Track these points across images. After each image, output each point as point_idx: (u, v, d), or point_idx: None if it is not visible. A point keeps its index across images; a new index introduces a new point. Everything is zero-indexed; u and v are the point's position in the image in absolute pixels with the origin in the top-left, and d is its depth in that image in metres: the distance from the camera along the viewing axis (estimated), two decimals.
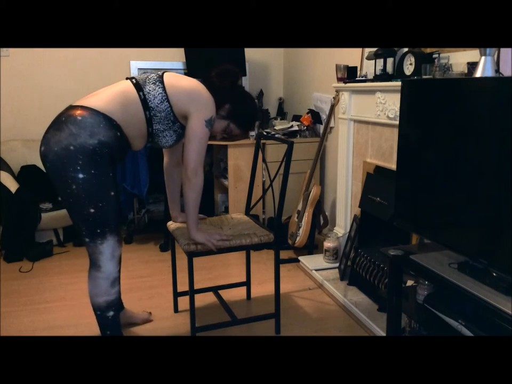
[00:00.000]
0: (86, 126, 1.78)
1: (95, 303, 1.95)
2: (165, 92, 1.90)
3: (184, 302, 2.54)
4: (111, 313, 1.96)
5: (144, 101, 1.89)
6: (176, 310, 2.53)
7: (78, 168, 1.77)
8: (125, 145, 1.94)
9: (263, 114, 3.91)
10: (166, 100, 1.90)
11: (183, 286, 2.56)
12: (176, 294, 2.52)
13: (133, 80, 1.94)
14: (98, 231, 1.86)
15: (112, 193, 1.86)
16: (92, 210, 1.83)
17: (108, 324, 1.98)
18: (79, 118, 1.79)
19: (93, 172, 1.79)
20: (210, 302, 2.61)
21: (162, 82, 1.91)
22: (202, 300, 2.62)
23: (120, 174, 3.35)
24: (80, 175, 1.78)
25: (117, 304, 2.00)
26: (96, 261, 1.90)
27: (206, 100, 1.92)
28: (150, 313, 2.43)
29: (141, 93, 1.89)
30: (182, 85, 1.93)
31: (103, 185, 1.83)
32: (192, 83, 1.96)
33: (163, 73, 1.97)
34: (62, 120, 1.80)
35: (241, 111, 2.06)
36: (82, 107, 1.82)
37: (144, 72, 4.01)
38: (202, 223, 2.32)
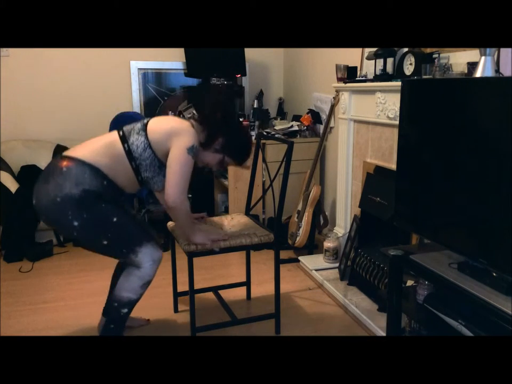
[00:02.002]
0: (71, 176, 1.85)
1: (117, 295, 2.00)
2: (147, 140, 1.93)
3: (184, 302, 2.54)
4: (125, 310, 2.01)
5: (129, 152, 1.93)
6: (176, 310, 2.53)
7: (70, 217, 1.84)
8: (114, 192, 1.96)
9: (263, 114, 3.91)
10: (148, 147, 1.93)
11: (183, 286, 2.56)
12: (176, 294, 2.52)
13: (120, 132, 1.98)
14: (125, 250, 1.94)
15: (115, 219, 1.90)
16: (105, 242, 1.91)
17: (116, 319, 2.03)
18: (64, 169, 1.86)
19: (85, 216, 1.86)
20: (210, 302, 2.61)
21: (145, 130, 1.95)
22: (202, 300, 2.62)
23: None
24: (75, 223, 1.85)
25: (134, 305, 2.05)
26: (137, 263, 1.96)
27: (185, 130, 1.93)
28: (149, 320, 2.42)
29: (125, 145, 1.93)
30: (161, 127, 1.95)
31: (100, 220, 1.89)
32: (171, 123, 1.98)
33: (148, 121, 1.99)
34: (49, 172, 1.89)
35: (234, 144, 2.05)
36: (68, 158, 1.89)
37: (145, 73, 4.01)
38: (204, 222, 2.32)
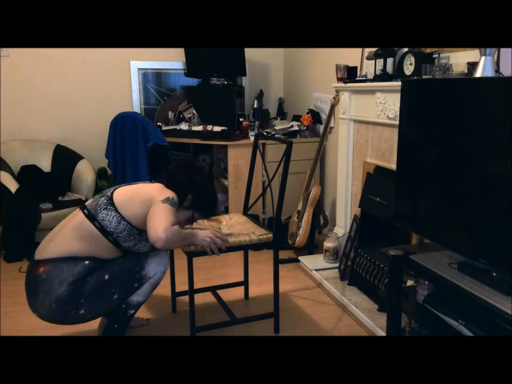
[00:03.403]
0: (52, 279, 1.87)
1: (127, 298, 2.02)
2: (119, 213, 1.91)
3: (182, 302, 2.54)
4: (132, 311, 2.04)
5: (102, 229, 1.91)
6: (174, 310, 2.53)
7: (73, 312, 1.89)
8: (101, 262, 1.96)
9: (263, 114, 3.91)
10: (122, 220, 1.92)
11: (181, 286, 2.56)
12: (175, 294, 2.52)
13: (85, 211, 1.95)
14: (136, 285, 1.98)
15: (106, 276, 1.92)
16: (116, 296, 1.95)
17: (122, 319, 2.05)
18: (44, 276, 1.88)
19: (83, 301, 1.89)
20: (208, 302, 2.61)
21: (112, 204, 1.93)
22: (200, 299, 2.62)
23: (120, 174, 3.35)
24: (81, 312, 1.90)
25: (140, 306, 2.07)
26: (150, 274, 2.00)
27: (159, 190, 1.95)
28: (148, 319, 2.42)
29: (96, 223, 1.91)
30: (134, 199, 1.94)
31: (98, 290, 1.91)
32: (144, 190, 1.97)
33: (112, 193, 1.97)
34: (33, 285, 1.90)
35: (202, 199, 2.08)
36: (43, 262, 1.90)
37: (145, 73, 4.01)
38: (201, 222, 2.32)
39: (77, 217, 1.96)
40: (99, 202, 1.95)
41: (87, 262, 1.91)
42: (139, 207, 1.92)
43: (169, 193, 1.94)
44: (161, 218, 1.83)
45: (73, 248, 1.90)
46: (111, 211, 1.91)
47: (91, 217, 1.92)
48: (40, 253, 1.95)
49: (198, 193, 2.06)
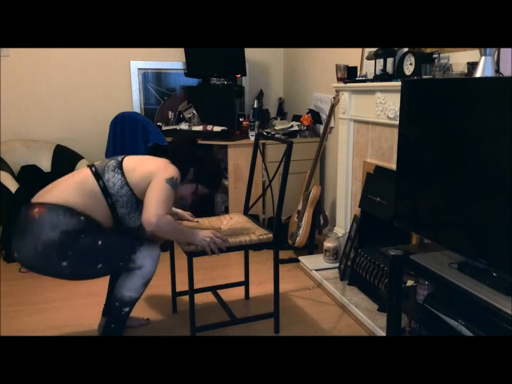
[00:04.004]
0: (45, 222, 1.83)
1: (119, 294, 2.00)
2: (124, 177, 1.94)
3: (182, 302, 2.54)
4: (127, 309, 2.03)
5: (105, 189, 1.93)
6: (174, 310, 2.53)
7: (56, 260, 1.84)
8: (93, 226, 1.94)
9: (263, 114, 3.91)
10: (125, 185, 1.94)
11: (182, 286, 2.56)
12: (175, 294, 2.52)
13: (93, 168, 1.97)
14: (121, 263, 1.95)
15: (100, 242, 1.90)
16: (100, 266, 1.92)
17: (118, 318, 2.04)
18: (37, 216, 1.84)
19: (70, 253, 1.85)
20: (209, 302, 2.61)
21: (121, 168, 1.96)
22: (201, 299, 2.62)
23: None
24: (63, 263, 1.85)
25: (135, 304, 2.06)
26: (138, 266, 1.97)
27: (164, 166, 1.96)
28: (148, 319, 2.42)
29: (100, 182, 1.93)
30: (140, 167, 1.97)
31: (87, 252, 1.89)
32: (150, 162, 2.00)
33: (123, 159, 2.01)
34: (23, 223, 1.87)
35: (204, 172, 2.11)
36: (39, 205, 1.87)
37: (145, 73, 4.01)
38: (201, 222, 2.32)
39: (83, 173, 1.97)
40: (108, 164, 1.99)
41: (82, 218, 1.88)
42: (142, 177, 1.94)
43: (173, 171, 1.95)
44: (159, 202, 1.85)
45: (72, 200, 1.88)
46: (118, 174, 1.94)
47: (97, 175, 1.94)
48: (37, 198, 1.92)
49: (200, 166, 2.09)
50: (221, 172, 2.25)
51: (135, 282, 1.99)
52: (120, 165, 1.97)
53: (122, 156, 2.04)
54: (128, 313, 2.05)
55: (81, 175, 1.96)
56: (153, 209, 1.84)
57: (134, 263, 1.95)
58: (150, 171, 1.95)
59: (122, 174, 1.95)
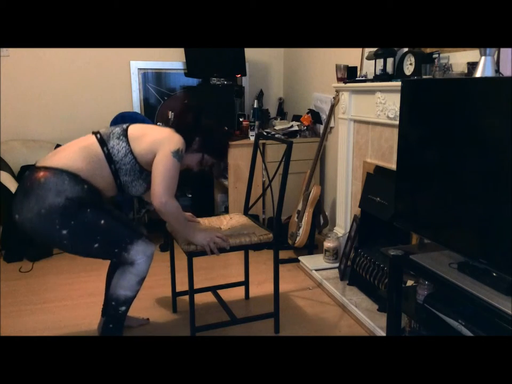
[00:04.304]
0: (51, 186, 1.83)
1: (114, 294, 2.00)
2: (129, 145, 1.94)
3: (182, 302, 2.54)
4: (123, 308, 2.02)
5: (109, 156, 1.93)
6: (175, 310, 2.53)
7: (58, 227, 1.83)
8: (95, 196, 1.95)
9: (263, 114, 3.91)
10: (130, 153, 1.94)
11: (182, 286, 2.56)
12: (175, 294, 2.52)
13: (98, 135, 1.98)
14: (116, 250, 1.94)
15: (102, 221, 1.90)
16: (97, 245, 1.91)
17: (115, 318, 2.03)
18: (43, 180, 1.84)
19: (73, 223, 1.85)
20: (209, 302, 2.61)
21: (126, 136, 1.96)
22: (201, 299, 2.62)
23: None
24: (64, 231, 1.84)
25: (131, 302, 2.05)
26: (130, 260, 1.96)
27: (169, 136, 1.96)
28: (148, 319, 2.42)
29: (105, 148, 1.94)
30: (145, 136, 1.97)
31: (88, 225, 1.88)
32: (155, 132, 2.00)
33: (128, 127, 2.01)
34: (28, 186, 1.86)
35: (210, 141, 2.09)
36: (45, 168, 1.87)
37: (145, 73, 4.02)
38: (201, 222, 2.32)
39: (88, 139, 1.97)
40: (113, 131, 1.99)
41: (86, 186, 1.88)
42: (147, 146, 1.94)
43: (178, 142, 1.95)
44: (167, 179, 1.88)
45: (77, 166, 1.88)
46: (122, 142, 1.94)
47: (102, 142, 1.94)
48: (43, 162, 1.92)
49: (205, 135, 2.07)
50: (227, 141, 2.20)
51: (129, 281, 1.98)
52: (125, 133, 1.97)
53: (127, 124, 2.04)
54: (125, 312, 2.04)
55: (87, 142, 1.96)
56: (162, 187, 1.87)
57: (127, 254, 1.94)
58: (155, 141, 1.94)
59: (127, 142, 1.95)
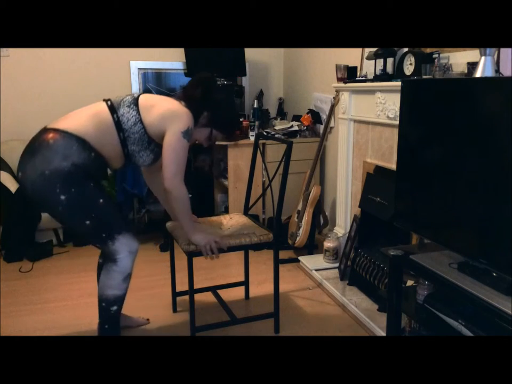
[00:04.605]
0: (59, 149, 1.82)
1: (103, 295, 1.99)
2: (139, 114, 1.93)
3: (182, 302, 2.54)
4: (114, 307, 2.00)
5: (118, 123, 1.92)
6: (175, 310, 2.53)
7: (58, 191, 1.81)
8: (101, 165, 1.95)
9: (263, 114, 3.91)
10: (139, 122, 1.93)
11: (182, 286, 2.56)
12: (175, 294, 2.52)
13: (108, 102, 1.97)
14: (104, 235, 1.92)
15: (101, 200, 1.90)
16: (88, 222, 1.88)
17: (108, 318, 2.02)
18: (51, 141, 1.83)
19: (73, 190, 1.83)
20: (209, 302, 2.61)
21: (136, 104, 1.95)
22: (201, 299, 2.62)
23: (120, 174, 3.35)
24: (62, 197, 1.82)
25: (122, 301, 2.03)
26: (113, 256, 1.94)
27: (180, 113, 1.93)
28: (148, 319, 2.42)
29: (115, 115, 1.93)
30: (155, 107, 1.95)
31: (87, 198, 1.87)
32: (166, 103, 1.98)
33: (139, 96, 2.00)
34: (36, 146, 1.85)
35: (219, 116, 2.07)
36: (54, 130, 1.87)
37: (145, 73, 4.02)
38: (201, 222, 2.32)
39: (98, 106, 1.97)
40: (124, 99, 1.98)
41: (93, 154, 1.88)
42: (156, 117, 1.92)
43: (187, 120, 1.92)
44: (178, 160, 1.89)
45: (86, 131, 1.87)
46: (133, 110, 1.93)
47: (112, 109, 1.94)
48: (54, 124, 1.92)
49: (214, 110, 2.04)
50: (237, 117, 2.19)
51: (114, 279, 1.96)
52: (136, 102, 1.95)
53: (139, 93, 2.03)
54: (117, 312, 2.02)
55: (97, 108, 1.96)
56: (174, 169, 1.88)
57: (112, 244, 1.91)
58: (164, 114, 1.92)
59: (137, 111, 1.93)
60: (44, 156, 1.81)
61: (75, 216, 1.88)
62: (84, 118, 1.91)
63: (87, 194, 1.87)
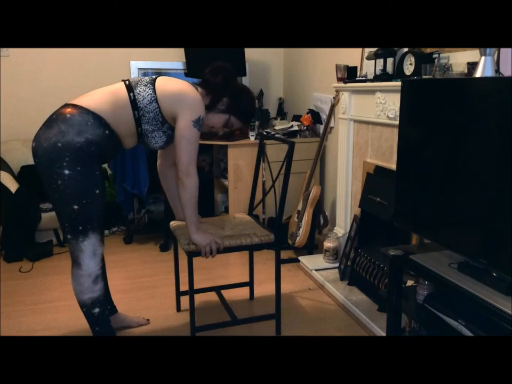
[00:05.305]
0: (74, 124, 1.86)
1: (80, 300, 1.99)
2: (155, 93, 1.95)
3: (186, 301, 2.54)
4: (96, 310, 1.99)
5: (134, 102, 1.94)
6: (178, 309, 2.53)
7: (64, 164, 1.83)
8: (115, 143, 1.98)
9: (263, 114, 3.91)
10: (154, 101, 1.95)
11: (185, 285, 2.55)
12: (179, 293, 2.53)
13: (126, 81, 2.00)
14: (80, 228, 1.91)
15: (97, 191, 1.91)
16: (76, 207, 1.88)
17: (95, 321, 2.01)
18: (68, 116, 1.88)
19: (79, 168, 1.85)
20: (212, 302, 2.61)
21: (153, 84, 1.97)
22: (204, 299, 2.62)
23: (120, 174, 3.35)
24: (66, 171, 1.84)
25: (103, 301, 2.02)
26: (77, 259, 1.95)
27: (192, 100, 1.95)
28: (148, 320, 2.42)
29: (131, 94, 1.95)
30: (171, 87, 1.97)
31: (88, 182, 1.88)
32: (181, 85, 1.99)
33: (157, 77, 2.03)
34: (53, 118, 1.91)
35: (239, 103, 2.08)
36: (73, 105, 1.92)
37: (145, 73, 4.02)
38: (204, 222, 2.32)
39: (117, 85, 2.00)
40: (142, 79, 2.01)
41: (107, 131, 1.91)
42: (170, 97, 1.95)
43: (199, 109, 1.95)
44: (190, 152, 1.93)
45: (102, 108, 1.91)
46: (149, 89, 1.95)
47: (129, 88, 1.96)
48: (73, 100, 1.97)
49: (235, 96, 2.07)
50: (255, 106, 2.19)
51: (83, 284, 1.96)
52: (153, 82, 1.98)
53: (157, 75, 2.06)
54: (101, 313, 2.00)
55: (116, 87, 1.99)
56: (187, 159, 1.93)
57: (82, 240, 1.90)
58: (177, 97, 1.94)
59: (154, 90, 1.95)
60: (59, 128, 1.86)
61: (69, 195, 1.86)
62: (102, 96, 1.95)
63: (89, 178, 1.88)
